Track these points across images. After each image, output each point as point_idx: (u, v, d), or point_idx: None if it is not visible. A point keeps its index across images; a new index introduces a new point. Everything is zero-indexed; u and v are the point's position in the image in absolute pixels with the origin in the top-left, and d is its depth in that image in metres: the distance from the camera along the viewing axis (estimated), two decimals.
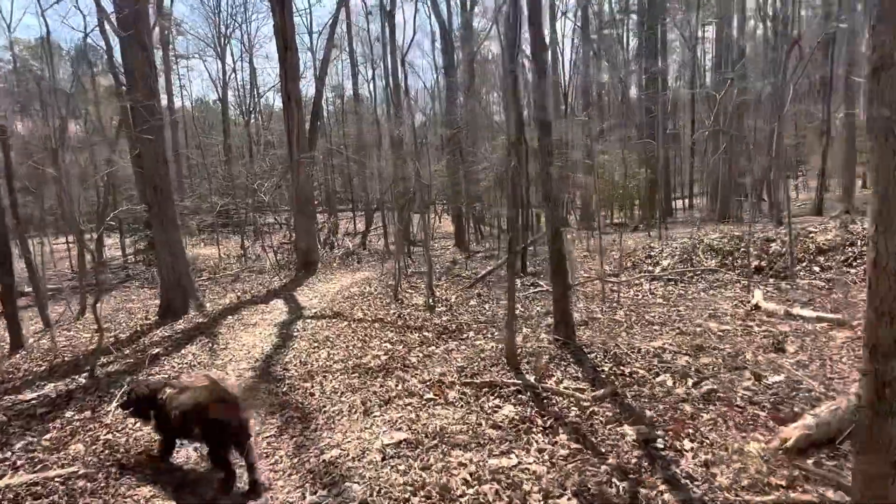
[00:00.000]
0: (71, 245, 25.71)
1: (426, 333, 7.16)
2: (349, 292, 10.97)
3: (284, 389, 5.49)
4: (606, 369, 5.20)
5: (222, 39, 33.11)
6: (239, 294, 11.74)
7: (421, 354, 6.27)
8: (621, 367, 5.20)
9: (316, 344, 7.11)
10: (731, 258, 8.30)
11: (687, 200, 29.01)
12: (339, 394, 5.25)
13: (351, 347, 6.82)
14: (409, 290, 10.29)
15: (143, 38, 9.20)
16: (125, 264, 19.12)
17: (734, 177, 18.05)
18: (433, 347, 6.53)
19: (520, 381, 4.95)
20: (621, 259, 10.43)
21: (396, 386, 5.27)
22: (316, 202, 22.44)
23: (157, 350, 7.32)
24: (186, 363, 6.62)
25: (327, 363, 6.27)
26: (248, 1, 44.13)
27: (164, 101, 31.60)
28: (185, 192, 28.33)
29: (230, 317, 9.26)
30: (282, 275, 14.57)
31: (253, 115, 35.46)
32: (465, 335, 6.95)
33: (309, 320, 8.69)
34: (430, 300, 8.80)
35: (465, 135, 18.84)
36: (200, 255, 20.15)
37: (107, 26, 17.18)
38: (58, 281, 16.21)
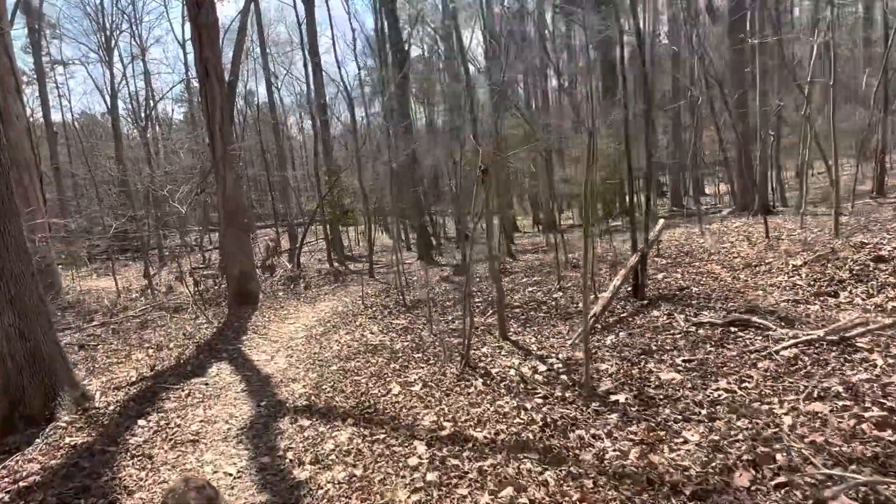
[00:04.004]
0: None
1: None
2: (341, 345, 6.54)
3: None
4: None
5: (109, 41, 26.68)
6: (152, 355, 6.89)
7: None
8: None
9: None
10: None
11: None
12: None
13: None
14: (460, 338, 6.02)
15: None
16: None
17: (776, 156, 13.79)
18: None
19: None
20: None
21: None
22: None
23: None
24: None
25: None
26: None
27: (39, 113, 24.93)
28: (70, 214, 21.97)
29: (141, 421, 4.57)
30: (209, 313, 9.64)
31: (150, 124, 29.00)
32: None
33: (309, 423, 4.25)
34: (586, 384, 4.00)
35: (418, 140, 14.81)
36: (93, 290, 14.38)
37: None
38: None
